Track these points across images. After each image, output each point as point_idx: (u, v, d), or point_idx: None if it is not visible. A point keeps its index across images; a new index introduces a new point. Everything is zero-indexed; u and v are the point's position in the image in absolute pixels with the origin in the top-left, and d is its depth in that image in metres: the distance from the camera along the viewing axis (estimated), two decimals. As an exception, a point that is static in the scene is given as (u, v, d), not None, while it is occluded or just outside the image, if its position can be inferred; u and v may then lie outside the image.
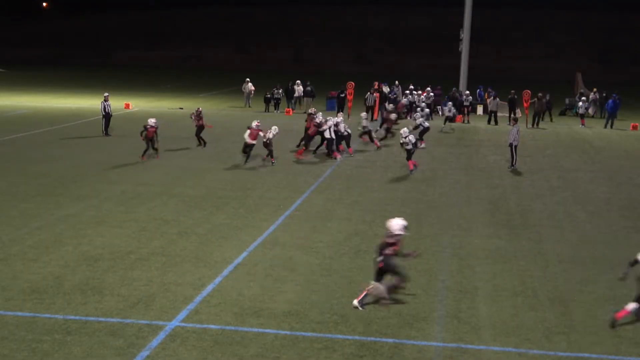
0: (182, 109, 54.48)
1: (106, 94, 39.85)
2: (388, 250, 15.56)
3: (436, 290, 16.88)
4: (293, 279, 17.13)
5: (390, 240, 15.59)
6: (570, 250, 20.40)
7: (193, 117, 35.65)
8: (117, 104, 54.50)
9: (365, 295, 15.57)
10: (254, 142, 31.09)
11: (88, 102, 56.28)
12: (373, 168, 31.25)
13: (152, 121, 31.94)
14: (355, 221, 22.21)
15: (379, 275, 15.73)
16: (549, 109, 54.45)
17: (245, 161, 31.07)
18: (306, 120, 35.98)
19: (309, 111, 36.18)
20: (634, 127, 50.94)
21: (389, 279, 15.78)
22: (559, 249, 20.39)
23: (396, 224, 15.67)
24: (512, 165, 32.53)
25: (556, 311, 15.79)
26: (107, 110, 39.01)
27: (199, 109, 36.59)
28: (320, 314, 15.04)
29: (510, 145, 32.52)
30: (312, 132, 34.25)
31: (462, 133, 45.50)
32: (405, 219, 20.72)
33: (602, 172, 33.34)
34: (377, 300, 15.56)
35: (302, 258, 18.72)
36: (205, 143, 35.75)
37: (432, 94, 54.83)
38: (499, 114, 51.80)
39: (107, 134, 38.92)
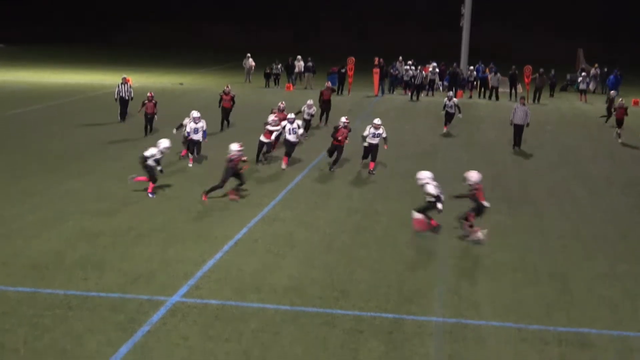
0: (182, 84, 54.40)
1: (123, 76, 36.87)
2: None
3: (436, 266, 16.91)
4: (293, 255, 17.16)
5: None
6: (570, 226, 20.42)
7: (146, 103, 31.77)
8: (118, 79, 54.41)
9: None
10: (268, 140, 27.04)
11: (88, 78, 56.18)
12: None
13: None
14: (355, 199, 22.21)
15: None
16: (553, 85, 54.39)
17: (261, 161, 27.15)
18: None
19: (280, 105, 30.26)
20: (635, 103, 50.83)
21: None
22: (559, 226, 20.41)
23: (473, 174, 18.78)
24: (516, 146, 31.90)
25: (556, 287, 15.82)
26: (121, 94, 35.54)
27: (150, 93, 32.44)
28: (320, 289, 15.08)
29: (516, 125, 31.88)
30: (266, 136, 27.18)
31: (463, 109, 45.45)
32: (405, 195, 20.84)
33: (603, 149, 33.31)
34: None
35: (302, 234, 18.74)
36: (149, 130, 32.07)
37: (437, 70, 54.69)
38: (500, 90, 51.73)
39: (122, 119, 35.72)
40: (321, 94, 38.54)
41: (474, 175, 18.90)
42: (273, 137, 26.80)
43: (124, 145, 29.42)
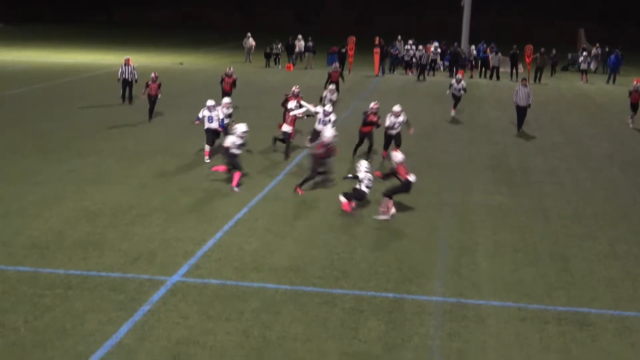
0: (182, 64, 54.29)
1: (126, 57, 35.69)
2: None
3: (436, 246, 16.91)
4: (293, 235, 17.16)
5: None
6: (570, 206, 20.41)
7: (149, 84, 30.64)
8: (117, 59, 54.34)
9: None
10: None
11: (88, 58, 56.08)
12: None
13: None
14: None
15: None
16: (554, 64, 54.29)
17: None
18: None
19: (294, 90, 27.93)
20: (638, 82, 50.70)
21: None
22: (560, 206, 20.39)
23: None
24: (520, 127, 31.53)
25: (556, 267, 15.83)
26: (124, 76, 34.51)
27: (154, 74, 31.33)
28: (320, 269, 15.08)
29: (518, 107, 31.62)
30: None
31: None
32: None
33: (604, 129, 33.29)
34: None
35: (302, 214, 18.73)
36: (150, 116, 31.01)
37: (439, 49, 54.58)
38: (500, 70, 51.64)
39: (125, 101, 34.78)
40: (329, 75, 38.36)
41: (397, 156, 19.06)
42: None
43: (125, 126, 29.37)
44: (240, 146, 20.82)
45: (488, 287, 14.58)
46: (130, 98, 34.74)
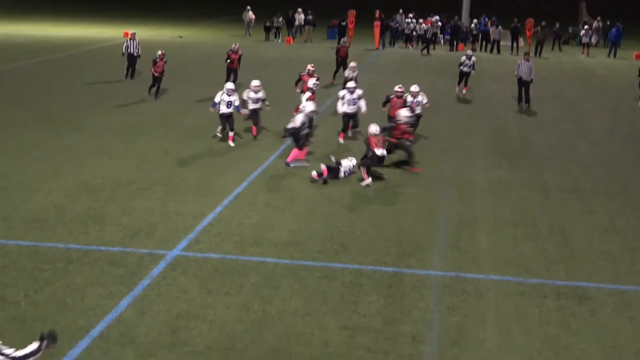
0: (182, 37, 54.10)
1: (132, 32, 35.13)
2: None
3: (436, 220, 16.92)
4: (293, 209, 17.17)
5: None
6: (570, 180, 20.41)
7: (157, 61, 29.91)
8: (116, 32, 54.15)
9: None
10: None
11: (86, 32, 55.87)
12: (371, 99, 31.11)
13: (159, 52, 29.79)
14: (356, 150, 22.11)
15: None
16: (558, 37, 54.14)
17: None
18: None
19: (310, 68, 26.61)
20: (638, 57, 50.57)
21: None
22: (560, 180, 20.39)
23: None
24: (521, 102, 31.29)
25: (555, 241, 15.85)
26: (130, 50, 33.71)
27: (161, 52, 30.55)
28: (320, 243, 15.11)
29: (521, 80, 31.34)
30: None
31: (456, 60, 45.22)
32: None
33: (605, 103, 33.22)
34: None
35: (302, 188, 18.73)
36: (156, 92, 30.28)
37: (439, 23, 54.40)
38: (501, 43, 51.48)
39: (129, 76, 34.17)
40: (338, 50, 37.62)
41: (371, 127, 19.51)
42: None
43: (125, 100, 29.30)
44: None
45: (487, 261, 14.61)
46: (133, 73, 34.30)
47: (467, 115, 28.54)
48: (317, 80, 25.87)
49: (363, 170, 19.15)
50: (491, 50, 51.23)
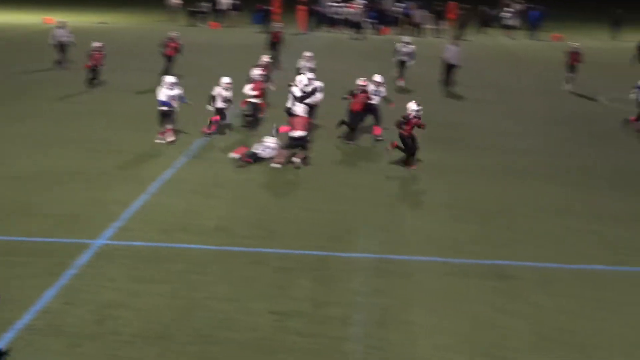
0: (106, 23, 53.27)
1: (61, 20, 34.31)
2: None
3: (367, 204, 17.01)
4: (221, 195, 17.11)
5: None
6: (505, 163, 20.65)
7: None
8: (35, 18, 53.04)
9: None
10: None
11: (7, 18, 54.65)
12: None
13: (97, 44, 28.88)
14: (284, 137, 22.01)
15: None
16: (482, 20, 54.90)
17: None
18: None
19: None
20: (556, 38, 51.58)
21: None
22: (492, 162, 20.64)
23: None
24: (446, 85, 31.60)
25: (483, 222, 16.10)
26: (58, 39, 32.57)
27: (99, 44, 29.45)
28: (248, 228, 15.09)
29: (449, 65, 31.57)
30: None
31: (389, 45, 45.48)
32: (338, 137, 20.93)
33: (532, 85, 33.76)
34: None
35: (229, 174, 18.67)
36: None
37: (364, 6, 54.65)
38: (425, 26, 51.98)
39: (60, 66, 32.77)
40: (272, 35, 36.75)
41: (296, 109, 19.97)
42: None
43: (57, 87, 28.75)
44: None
45: (415, 242, 14.77)
46: (64, 62, 33.11)
47: (395, 100, 28.69)
48: (264, 70, 24.62)
49: (284, 152, 19.32)
50: (415, 34, 51.63)
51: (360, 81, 22.41)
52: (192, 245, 14.12)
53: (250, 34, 49.00)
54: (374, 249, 14.34)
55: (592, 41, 51.39)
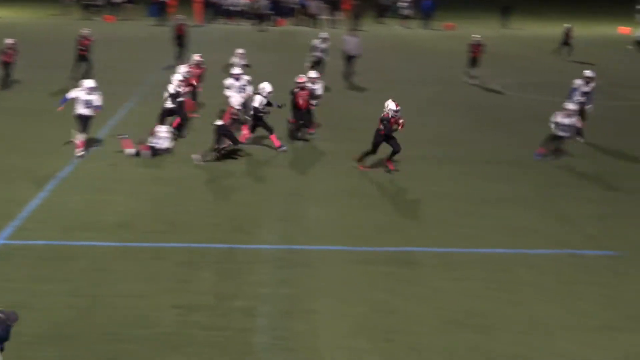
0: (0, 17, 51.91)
1: None
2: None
3: (268, 194, 17.09)
4: (121, 191, 16.91)
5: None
6: (405, 149, 20.88)
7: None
8: None
9: None
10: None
11: None
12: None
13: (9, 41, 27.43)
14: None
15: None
16: (380, 11, 55.49)
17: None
18: None
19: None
20: (449, 27, 52.63)
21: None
22: (388, 149, 20.81)
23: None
24: (348, 77, 31.44)
25: (385, 209, 16.34)
26: None
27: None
28: (150, 223, 14.98)
29: (349, 56, 31.43)
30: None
31: (285, 37, 45.59)
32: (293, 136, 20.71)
33: (425, 73, 34.28)
34: None
35: (128, 169, 18.47)
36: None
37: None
38: (320, 17, 52.30)
39: None
40: (176, 28, 35.31)
41: (232, 101, 20.09)
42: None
43: None
44: (268, 104, 20.68)
45: (318, 232, 14.88)
46: None
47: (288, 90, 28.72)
48: (191, 68, 23.96)
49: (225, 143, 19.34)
50: (312, 25, 51.87)
51: (299, 78, 21.93)
52: (94, 243, 13.94)
53: (146, 27, 48.49)
54: (278, 240, 14.42)
55: (483, 30, 52.46)
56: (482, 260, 13.83)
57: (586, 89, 22.00)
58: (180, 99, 21.21)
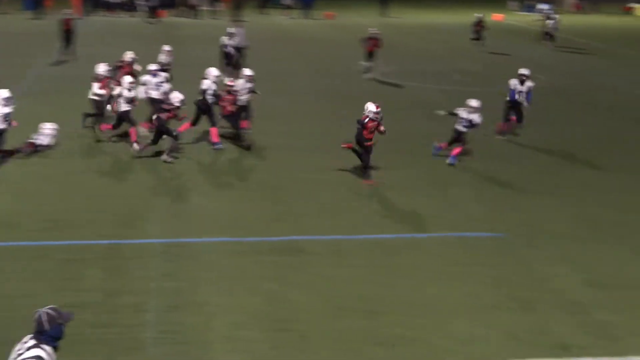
0: None
1: None
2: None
3: (152, 187, 16.97)
4: (2, 189, 16.48)
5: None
6: (285, 140, 20.96)
7: None
8: None
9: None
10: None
11: None
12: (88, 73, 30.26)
13: None
14: (68, 124, 21.36)
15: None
16: (266, 0, 55.67)
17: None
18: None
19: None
20: (329, 16, 53.17)
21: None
22: (273, 140, 20.92)
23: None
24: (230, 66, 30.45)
25: (272, 198, 16.47)
26: None
27: None
28: (33, 222, 14.64)
29: (235, 47, 30.78)
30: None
31: (167, 28, 45.17)
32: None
33: (305, 62, 34.46)
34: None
35: (10, 167, 17.96)
36: None
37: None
38: (201, 8, 52.10)
39: None
40: (63, 23, 33.59)
41: (173, 98, 18.84)
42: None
43: None
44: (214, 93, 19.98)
45: (204, 224, 14.84)
46: None
47: (179, 82, 28.34)
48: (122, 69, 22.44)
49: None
50: (193, 16, 51.53)
51: (228, 81, 20.83)
52: (-26, 243, 13.58)
53: (23, 20, 47.23)
54: (164, 234, 14.32)
55: (362, 18, 53.27)
56: (369, 246, 14.06)
57: (522, 88, 21.38)
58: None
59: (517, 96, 21.57)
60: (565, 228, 15.35)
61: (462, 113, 19.06)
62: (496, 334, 10.98)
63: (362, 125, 17.28)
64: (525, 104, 21.69)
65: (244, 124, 21.12)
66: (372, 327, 11.06)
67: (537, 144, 21.46)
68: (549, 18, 44.43)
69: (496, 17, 57.59)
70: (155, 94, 20.88)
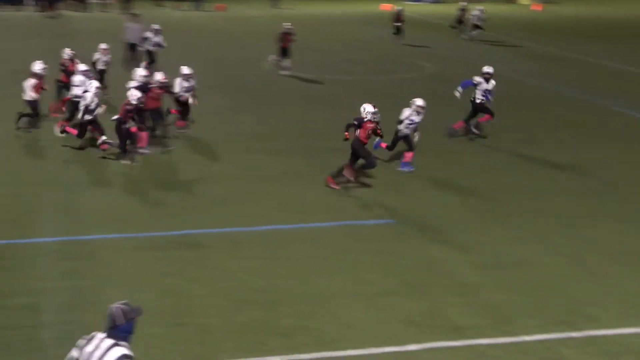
0: None
1: None
2: None
3: (46, 183, 16.72)
4: None
5: None
6: (180, 135, 20.88)
7: None
8: None
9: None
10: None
11: None
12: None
13: None
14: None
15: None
16: None
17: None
18: None
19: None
20: (220, 8, 53.12)
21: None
22: (204, 133, 20.97)
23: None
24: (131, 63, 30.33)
25: (168, 193, 16.38)
26: None
27: None
28: None
29: (129, 44, 30.08)
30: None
31: (63, 23, 44.35)
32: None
33: (192, 53, 34.26)
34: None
35: None
36: None
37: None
38: (90, 1, 51.37)
39: None
40: None
41: (131, 95, 18.15)
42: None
43: None
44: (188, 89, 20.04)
45: (97, 221, 14.66)
46: None
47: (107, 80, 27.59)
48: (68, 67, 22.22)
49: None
50: (82, 10, 50.71)
51: (161, 76, 20.15)
52: None
53: None
54: (57, 232, 14.08)
55: (254, 10, 53.29)
56: (265, 238, 14.13)
57: (487, 86, 21.08)
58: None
59: (487, 95, 21.24)
60: (451, 212, 15.72)
61: (406, 112, 18.28)
62: (392, 320, 11.16)
63: (359, 125, 16.66)
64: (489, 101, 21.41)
65: (179, 123, 20.92)
66: (271, 318, 11.09)
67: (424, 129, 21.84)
68: (463, 9, 44.79)
69: (385, 7, 58.26)
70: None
